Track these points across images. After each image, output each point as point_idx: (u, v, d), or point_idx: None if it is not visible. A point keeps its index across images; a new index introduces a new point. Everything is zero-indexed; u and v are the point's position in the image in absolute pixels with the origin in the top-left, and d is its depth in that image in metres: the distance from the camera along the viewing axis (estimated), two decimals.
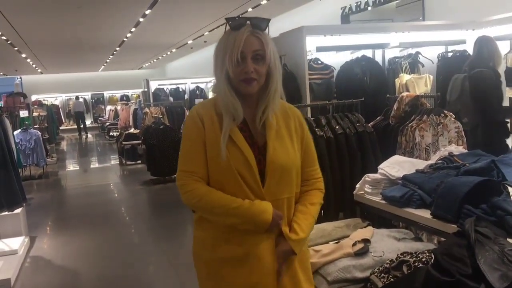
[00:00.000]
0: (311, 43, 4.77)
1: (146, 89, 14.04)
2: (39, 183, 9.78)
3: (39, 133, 9.71)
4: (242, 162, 1.74)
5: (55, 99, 22.44)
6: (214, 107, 1.81)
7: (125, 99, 21.27)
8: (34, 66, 17.98)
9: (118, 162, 11.91)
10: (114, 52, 15.34)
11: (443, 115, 3.52)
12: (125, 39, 12.10)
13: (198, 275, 1.88)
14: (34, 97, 18.91)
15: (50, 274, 4.58)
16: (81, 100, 22.29)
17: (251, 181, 1.75)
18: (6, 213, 5.04)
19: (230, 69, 1.72)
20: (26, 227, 5.74)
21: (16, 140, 8.32)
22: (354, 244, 2.45)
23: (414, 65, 5.05)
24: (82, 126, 21.33)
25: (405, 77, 4.78)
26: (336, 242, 2.57)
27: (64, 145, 17.58)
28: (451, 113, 3.56)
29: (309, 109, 4.40)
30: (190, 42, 13.92)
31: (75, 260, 4.93)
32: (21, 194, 5.00)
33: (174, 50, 15.90)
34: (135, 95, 20.80)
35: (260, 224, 1.72)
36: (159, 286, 4.12)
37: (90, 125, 23.08)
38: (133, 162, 11.13)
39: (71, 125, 22.46)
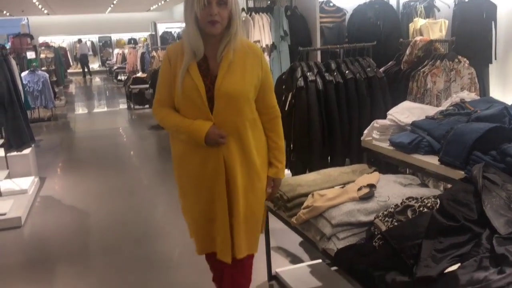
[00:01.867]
0: None
1: (153, 33, 13.80)
2: (48, 125, 9.84)
3: (47, 75, 9.66)
4: (194, 89, 2.11)
5: (62, 41, 22.15)
6: (181, 47, 2.17)
7: (133, 42, 20.96)
8: (40, 6, 17.62)
9: (126, 107, 11.90)
10: None
11: (457, 60, 3.42)
12: None
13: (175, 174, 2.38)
14: (41, 39, 18.67)
15: (59, 213, 4.68)
16: (84, 43, 21.98)
17: (201, 105, 2.13)
18: (16, 153, 5.10)
19: (198, 12, 2.03)
20: (36, 167, 5.82)
21: (24, 82, 8.30)
22: (359, 189, 2.44)
23: (429, 9, 4.87)
24: (86, 69, 21.19)
25: (419, 22, 4.62)
26: (342, 187, 2.57)
27: (72, 88, 17.55)
28: (465, 59, 3.45)
29: (319, 53, 4.30)
30: None
31: (84, 200, 5.02)
32: (29, 134, 5.03)
33: None
34: (142, 39, 20.47)
35: (197, 139, 2.13)
36: (166, 227, 4.21)
37: (97, 69, 22.93)
38: (141, 107, 11.11)
39: (79, 68, 22.32)
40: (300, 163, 3.59)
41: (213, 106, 2.13)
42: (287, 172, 4.10)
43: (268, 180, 2.34)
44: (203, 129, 2.12)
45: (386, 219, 2.11)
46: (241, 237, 2.26)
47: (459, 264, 1.68)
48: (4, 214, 4.37)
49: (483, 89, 3.75)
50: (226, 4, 2.05)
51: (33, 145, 5.44)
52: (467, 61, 3.45)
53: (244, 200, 2.25)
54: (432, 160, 2.49)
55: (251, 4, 5.15)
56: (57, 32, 22.15)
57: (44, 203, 5.03)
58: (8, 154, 5.02)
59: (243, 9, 5.12)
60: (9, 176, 4.88)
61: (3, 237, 4.14)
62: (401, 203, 2.13)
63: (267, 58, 4.96)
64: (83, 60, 21.30)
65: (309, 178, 2.83)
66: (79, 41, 21.80)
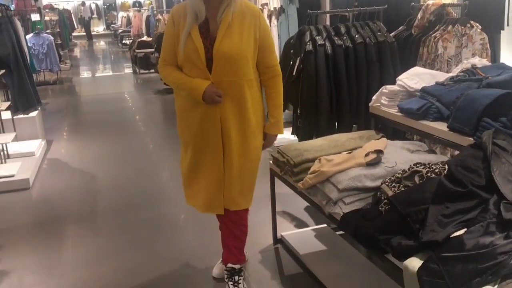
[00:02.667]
0: None
1: None
2: (53, 88, 9.82)
3: (52, 37, 9.57)
4: (193, 50, 2.22)
5: (66, 3, 21.85)
6: (185, 8, 2.26)
7: (138, 5, 20.65)
8: None
9: (131, 71, 11.83)
10: None
11: (469, 25, 3.34)
12: None
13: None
14: (45, 1, 18.41)
15: (67, 176, 4.72)
16: (88, 6, 21.66)
17: (200, 66, 2.23)
18: (22, 116, 5.11)
19: None
20: (43, 130, 5.84)
21: (29, 44, 8.24)
22: (366, 155, 2.43)
23: None
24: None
25: None
26: (349, 153, 2.57)
27: (77, 51, 17.42)
28: (477, 24, 3.37)
29: (328, 17, 4.22)
30: None
31: (91, 163, 5.05)
32: (36, 97, 5.03)
33: None
34: (148, 1, 20.15)
35: (196, 96, 2.26)
36: (172, 190, 4.24)
37: (102, 32, 22.69)
38: (146, 71, 11.04)
39: (84, 32, 22.11)
40: (307, 128, 3.58)
41: (212, 66, 2.24)
42: (293, 138, 4.10)
43: (263, 135, 2.48)
44: (201, 87, 2.24)
45: (393, 184, 2.11)
46: (235, 192, 2.41)
47: (465, 229, 1.69)
48: (13, 176, 4.41)
49: (494, 56, 3.68)
50: None
51: (39, 108, 5.44)
52: (480, 26, 3.37)
53: (239, 157, 2.37)
54: (440, 127, 2.47)
55: None
56: None
57: (51, 165, 5.08)
58: (15, 117, 5.03)
59: None
60: (16, 139, 4.90)
61: (12, 199, 4.20)
62: (409, 169, 2.13)
63: (274, 22, 4.88)
64: (87, 23, 21.09)
65: (316, 143, 2.82)
66: (83, 3, 21.48)
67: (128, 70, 12.09)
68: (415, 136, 3.37)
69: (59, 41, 11.48)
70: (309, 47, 3.38)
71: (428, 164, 2.12)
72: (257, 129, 2.42)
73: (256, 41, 2.28)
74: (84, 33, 21.57)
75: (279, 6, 4.79)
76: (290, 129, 3.95)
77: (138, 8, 17.01)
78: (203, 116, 2.33)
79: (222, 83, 2.25)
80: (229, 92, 2.27)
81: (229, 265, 2.59)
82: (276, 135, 2.51)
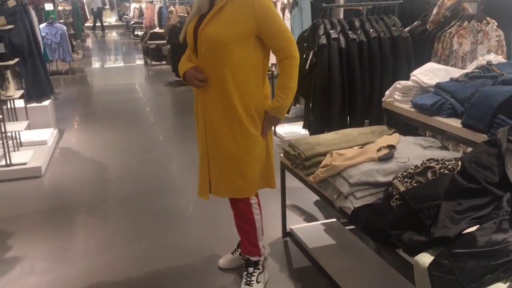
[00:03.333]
0: None
1: None
2: (65, 78, 9.88)
3: (65, 27, 9.61)
4: (188, 34, 2.32)
5: None
6: None
7: None
8: None
9: (143, 62, 11.86)
10: None
11: (485, 21, 3.31)
12: None
13: None
14: None
15: (78, 165, 4.76)
16: None
17: (192, 50, 2.32)
18: (35, 104, 5.15)
19: None
20: (55, 119, 5.88)
21: (42, 34, 8.28)
22: (379, 150, 2.42)
23: None
24: (99, 23, 21.01)
25: None
26: (361, 147, 2.55)
27: (89, 42, 17.49)
28: (493, 20, 3.33)
29: (342, 11, 4.20)
30: None
31: (102, 153, 5.09)
32: (49, 86, 5.06)
33: None
34: None
35: (181, 77, 2.38)
36: (181, 181, 4.26)
37: (114, 23, 22.75)
38: (158, 63, 11.05)
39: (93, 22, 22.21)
40: (319, 122, 3.57)
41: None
42: (304, 132, 4.09)
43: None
44: (183, 69, 2.34)
45: (405, 180, 2.10)
46: (215, 177, 2.43)
47: (477, 226, 1.68)
48: (25, 164, 4.46)
49: (510, 53, 3.64)
50: None
51: (52, 97, 5.48)
52: (496, 23, 3.33)
53: (221, 142, 2.36)
54: (454, 123, 2.45)
55: None
56: None
57: (63, 154, 5.12)
58: (28, 105, 5.07)
59: None
60: (29, 127, 4.94)
61: (24, 186, 4.25)
62: (421, 165, 2.11)
63: (288, 15, 4.86)
64: (97, 14, 21.10)
65: (328, 137, 2.81)
66: None
67: (140, 62, 12.12)
68: (427, 132, 3.35)
69: (72, 31, 11.52)
70: (323, 40, 3.36)
71: (441, 160, 2.11)
72: (247, 116, 2.32)
73: (251, 29, 2.21)
74: (98, 24, 21.66)
75: None
76: (302, 123, 3.94)
77: (151, 0, 17.02)
78: (195, 98, 2.42)
79: (207, 67, 2.28)
80: (212, 76, 2.28)
81: (245, 255, 2.60)
82: (278, 120, 2.40)
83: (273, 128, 2.78)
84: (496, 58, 2.85)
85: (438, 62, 3.32)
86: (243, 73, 2.28)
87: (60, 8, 11.41)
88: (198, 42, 2.26)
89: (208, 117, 2.36)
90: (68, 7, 11.79)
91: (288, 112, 4.17)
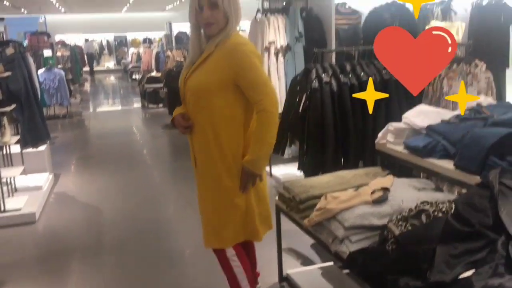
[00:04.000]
0: None
1: (168, 32, 13.89)
2: (63, 122, 9.94)
3: (63, 72, 9.76)
4: (180, 84, 2.36)
5: (78, 39, 22.34)
6: None
7: (148, 42, 21.08)
8: (57, 5, 17.80)
9: (140, 105, 11.98)
10: None
11: (474, 64, 3.38)
12: None
13: None
14: (57, 37, 18.89)
15: (73, 210, 4.73)
16: (91, 42, 22.00)
17: (182, 97, 2.37)
18: (31, 150, 5.16)
19: (194, 17, 2.22)
20: (51, 164, 5.88)
21: (41, 79, 8.40)
22: (373, 192, 2.42)
23: (446, 12, 4.82)
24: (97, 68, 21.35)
25: (436, 24, 4.58)
26: (355, 190, 2.56)
27: (87, 86, 17.71)
28: (482, 63, 3.41)
29: (334, 55, 4.29)
30: None
31: (98, 197, 5.06)
32: (45, 131, 5.08)
33: None
34: (157, 38, 20.60)
35: None
36: (177, 225, 4.22)
37: (112, 68, 23.10)
38: (155, 106, 11.17)
39: (94, 67, 22.56)
40: (313, 164, 3.59)
41: None
42: (299, 174, 4.10)
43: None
44: (173, 115, 2.40)
45: (400, 223, 2.10)
46: (204, 229, 2.43)
47: (473, 270, 1.66)
48: (19, 210, 4.42)
49: (500, 94, 3.71)
50: (217, 7, 2.16)
51: (48, 142, 5.50)
52: (484, 65, 3.41)
53: (206, 194, 2.39)
54: (447, 165, 2.46)
55: (266, 5, 5.16)
56: (74, 30, 22.35)
57: (58, 199, 5.09)
58: (23, 151, 5.08)
59: (258, 10, 5.13)
60: (24, 172, 4.94)
61: (18, 232, 4.20)
62: (415, 207, 2.11)
63: (281, 59, 4.96)
64: (89, 59, 21.47)
65: (322, 180, 2.82)
66: (86, 40, 21.74)
67: (137, 105, 12.24)
68: (421, 173, 3.36)
69: (70, 76, 11.68)
70: (315, 84, 3.42)
71: (435, 202, 2.11)
72: (223, 166, 2.28)
73: (230, 78, 2.19)
74: (95, 69, 22.00)
75: (286, 44, 4.89)
76: (296, 164, 3.95)
77: (148, 45, 17.37)
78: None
79: (192, 114, 2.31)
80: (196, 124, 2.31)
81: None
82: (254, 173, 2.27)
83: (268, 169, 2.75)
84: (486, 100, 2.89)
85: (429, 103, 3.37)
86: (223, 122, 2.25)
87: (58, 54, 11.61)
88: (185, 90, 2.32)
89: (197, 166, 2.40)
90: (67, 53, 11.99)
91: (283, 154, 4.20)
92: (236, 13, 2.22)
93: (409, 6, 4.97)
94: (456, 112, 2.84)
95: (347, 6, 4.83)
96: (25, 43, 11.46)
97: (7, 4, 16.49)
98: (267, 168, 5.00)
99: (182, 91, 2.36)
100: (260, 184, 2.39)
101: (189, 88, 2.29)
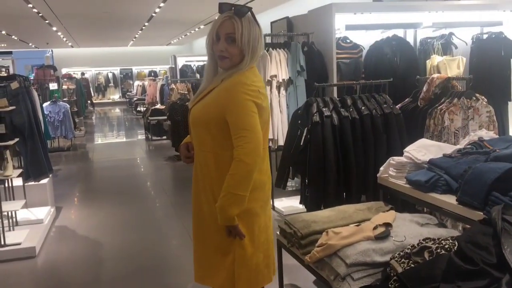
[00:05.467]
0: (340, 21, 4.66)
1: (173, 65, 14.06)
2: (67, 155, 9.97)
3: (68, 106, 9.85)
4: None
5: (85, 73, 22.62)
6: None
7: (153, 75, 21.36)
8: (65, 39, 18.17)
9: (144, 137, 12.03)
10: (143, 28, 15.35)
11: (474, 98, 3.39)
12: (153, 14, 12.08)
13: None
14: (64, 70, 19.16)
15: (74, 244, 4.68)
16: (86, 77, 21.94)
17: (188, 128, 2.27)
18: (33, 183, 5.16)
19: (211, 45, 2.12)
20: (53, 197, 5.86)
21: (46, 112, 8.47)
22: (375, 228, 2.40)
23: (447, 46, 4.88)
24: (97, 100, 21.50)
25: (436, 59, 4.63)
26: (357, 225, 2.53)
27: (93, 118, 17.85)
28: (483, 97, 3.42)
29: (335, 88, 4.32)
30: None
31: (99, 231, 5.02)
32: (47, 165, 5.09)
33: (202, 27, 15.80)
34: (162, 71, 20.86)
35: None
36: (179, 260, 4.16)
37: (118, 100, 23.34)
38: (159, 138, 11.22)
39: (100, 99, 22.77)
40: (315, 199, 3.56)
41: None
42: (301, 207, 4.06)
43: None
44: (180, 144, 2.35)
45: (402, 260, 2.06)
46: (195, 260, 2.33)
47: None
48: (19, 244, 4.38)
49: (502, 128, 3.71)
50: (234, 42, 2.04)
51: (50, 175, 5.50)
52: (485, 99, 3.42)
53: (202, 230, 2.25)
54: (449, 200, 2.44)
55: (268, 40, 5.23)
56: (80, 64, 22.70)
57: (59, 233, 5.04)
58: (25, 184, 5.07)
59: None
60: (26, 206, 4.91)
61: (18, 267, 4.14)
62: (418, 244, 2.08)
63: (283, 92, 5.00)
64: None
65: (324, 214, 2.79)
66: (82, 74, 21.81)
67: (141, 137, 12.29)
68: (424, 208, 3.32)
69: (75, 109, 11.79)
70: (316, 118, 3.43)
71: (438, 239, 2.08)
72: (212, 206, 2.12)
73: (223, 115, 2.05)
74: (100, 101, 22.20)
75: (288, 77, 4.93)
76: (299, 198, 3.92)
77: (153, 78, 17.58)
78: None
79: (195, 143, 2.23)
80: (197, 155, 2.22)
81: None
82: (225, 225, 2.07)
83: (271, 202, 2.54)
84: (488, 134, 2.89)
85: (431, 138, 3.36)
86: (223, 153, 2.09)
87: (64, 87, 11.75)
88: (190, 119, 2.23)
89: (193, 196, 2.33)
90: (72, 86, 12.14)
91: (284, 188, 4.18)
92: (254, 52, 2.08)
93: (410, 40, 5.03)
94: (457, 147, 2.83)
95: (348, 40, 4.88)
96: (32, 76, 11.63)
97: (16, 38, 16.84)
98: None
99: (187, 120, 2.30)
100: (256, 231, 2.16)
101: (191, 120, 2.21)
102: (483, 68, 4.60)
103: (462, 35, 4.97)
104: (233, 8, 2.06)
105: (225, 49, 2.06)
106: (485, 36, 4.91)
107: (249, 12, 2.08)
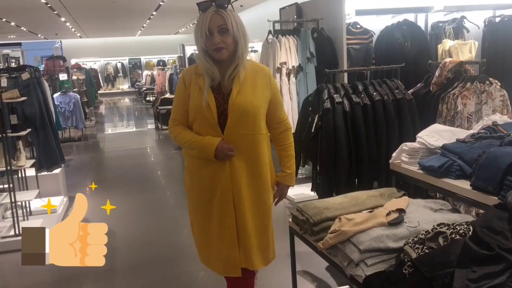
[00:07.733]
0: (350, 6, 4.61)
1: (182, 55, 14.02)
2: (78, 145, 10.04)
3: (78, 96, 9.90)
4: (206, 106, 2.23)
5: (94, 63, 22.69)
6: (195, 70, 2.33)
7: (162, 64, 21.36)
8: (73, 30, 18.20)
9: (154, 127, 12.07)
10: (151, 17, 15.32)
11: (488, 82, 3.34)
12: (161, 3, 12.03)
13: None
14: (73, 61, 19.22)
15: None
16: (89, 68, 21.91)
17: (211, 121, 2.25)
18: (46, 173, 5.20)
19: (203, 43, 2.21)
20: (65, 187, 5.91)
21: (56, 103, 8.51)
22: (388, 214, 2.38)
23: (458, 30, 4.81)
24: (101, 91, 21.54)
25: (448, 43, 4.56)
26: (370, 211, 2.51)
27: (102, 109, 17.93)
28: (496, 81, 3.37)
29: (346, 75, 4.28)
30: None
31: (111, 220, 5.05)
32: (60, 155, 5.13)
33: None
34: (171, 60, 20.85)
35: (207, 154, 2.25)
36: (192, 248, 4.18)
37: (127, 90, 23.41)
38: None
39: (109, 89, 22.84)
40: (327, 185, 3.55)
41: (224, 122, 2.26)
42: (313, 194, 4.06)
43: (277, 185, 2.52)
44: (213, 144, 2.24)
45: (417, 245, 2.05)
46: (252, 251, 2.36)
47: None
48: None
49: None
50: (227, 31, 2.19)
51: (63, 165, 5.54)
52: (499, 83, 3.37)
53: (252, 215, 2.36)
54: (463, 185, 2.41)
55: (277, 27, 5.19)
56: (89, 54, 22.76)
57: None
58: (38, 174, 5.12)
59: (269, 32, 5.16)
60: (39, 196, 4.96)
61: None
62: (432, 230, 2.07)
63: (293, 79, 4.97)
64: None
65: (336, 201, 2.78)
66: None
67: (151, 126, 12.33)
68: (437, 193, 3.30)
69: (85, 99, 11.84)
70: (327, 104, 3.41)
71: (452, 224, 2.06)
72: (269, 185, 2.43)
73: (267, 98, 2.35)
74: (109, 91, 22.28)
75: (298, 64, 4.90)
76: (310, 185, 3.91)
77: (162, 67, 17.57)
78: (214, 173, 2.30)
79: (235, 136, 2.26)
80: (241, 146, 2.28)
81: None
82: (287, 188, 2.56)
83: None
84: (502, 118, 2.85)
85: (444, 123, 3.33)
86: (267, 141, 2.41)
87: (74, 77, 11.80)
88: (230, 111, 2.23)
89: (237, 190, 2.30)
90: (82, 76, 12.18)
91: (296, 175, 4.17)
92: (245, 37, 2.25)
93: (421, 24, 4.97)
94: (471, 131, 2.80)
95: (358, 26, 4.84)
96: (42, 67, 11.68)
97: (25, 29, 16.90)
98: None
99: (212, 116, 2.25)
100: None
101: (238, 108, 2.22)
102: (496, 52, 4.53)
103: (474, 19, 4.89)
104: (213, 3, 2.18)
105: (220, 40, 2.18)
106: (497, 19, 4.83)
107: (228, 3, 2.23)
